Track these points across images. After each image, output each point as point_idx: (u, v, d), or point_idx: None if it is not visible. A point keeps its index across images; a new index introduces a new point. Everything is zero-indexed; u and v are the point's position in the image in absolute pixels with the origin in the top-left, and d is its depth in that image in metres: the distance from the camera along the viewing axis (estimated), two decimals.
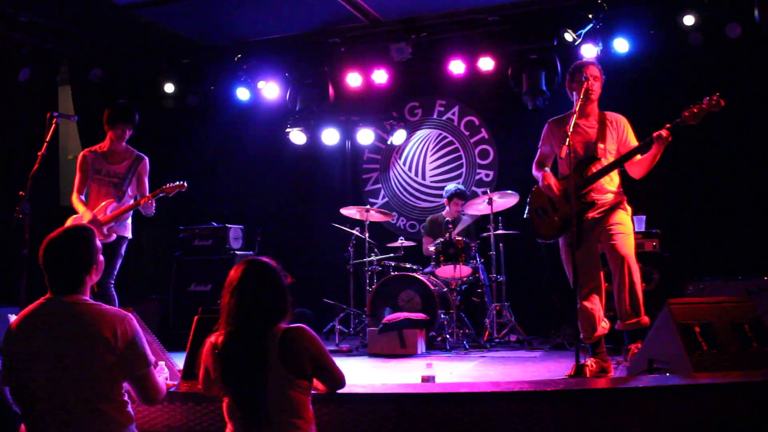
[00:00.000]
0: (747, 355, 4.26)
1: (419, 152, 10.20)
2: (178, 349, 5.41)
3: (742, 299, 4.77)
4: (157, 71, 10.02)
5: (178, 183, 6.46)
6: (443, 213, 8.85)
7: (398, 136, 9.78)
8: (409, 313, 7.33)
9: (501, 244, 8.17)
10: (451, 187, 8.79)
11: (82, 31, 9.05)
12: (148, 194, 6.42)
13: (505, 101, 9.47)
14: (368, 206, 8.60)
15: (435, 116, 10.16)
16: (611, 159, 5.33)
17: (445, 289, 7.87)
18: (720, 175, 8.29)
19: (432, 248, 8.03)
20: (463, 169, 9.96)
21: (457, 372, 5.94)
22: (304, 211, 10.44)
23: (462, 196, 8.64)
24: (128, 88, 9.82)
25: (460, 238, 7.84)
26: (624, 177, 5.52)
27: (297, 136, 9.78)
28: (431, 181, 10.10)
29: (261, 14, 8.74)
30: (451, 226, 8.00)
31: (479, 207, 8.26)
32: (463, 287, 8.05)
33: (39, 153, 5.70)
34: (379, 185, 10.39)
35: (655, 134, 5.06)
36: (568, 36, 8.29)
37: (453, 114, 10.06)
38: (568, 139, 4.90)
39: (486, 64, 9.00)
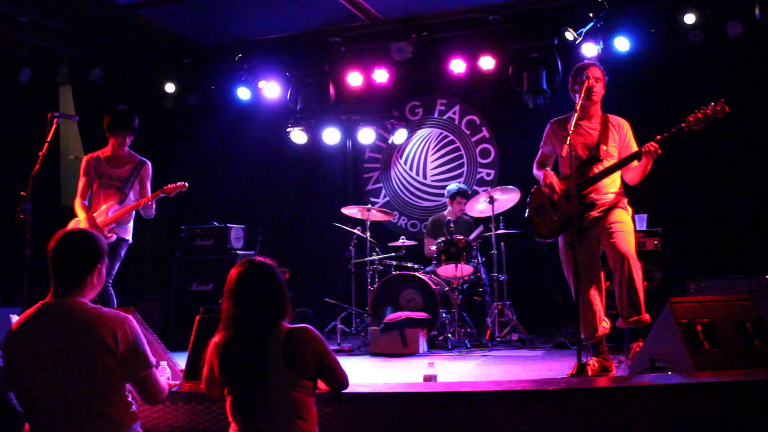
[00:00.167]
0: (749, 353, 4.25)
1: (420, 151, 10.20)
2: (179, 348, 5.42)
3: (744, 298, 4.75)
4: (158, 71, 10.03)
5: (179, 183, 6.47)
6: (445, 213, 8.84)
7: (399, 136, 9.78)
8: (410, 313, 7.34)
9: (502, 243, 8.17)
10: (453, 186, 8.78)
11: (82, 31, 9.06)
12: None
13: (506, 100, 9.47)
14: (369, 205, 8.59)
15: (436, 115, 10.16)
16: (612, 161, 5.33)
17: (447, 289, 7.87)
18: (721, 174, 8.29)
19: (433, 248, 8.02)
20: (464, 168, 9.96)
21: (459, 371, 5.94)
22: (305, 210, 10.44)
23: (464, 195, 8.63)
24: (129, 88, 9.83)
25: (461, 237, 7.84)
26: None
27: (298, 136, 9.78)
28: (432, 181, 10.10)
29: (262, 14, 8.74)
30: (452, 226, 8.00)
31: (479, 207, 8.26)
32: (465, 286, 8.04)
33: (40, 153, 5.70)
34: (380, 184, 10.39)
35: (644, 148, 5.08)
36: (569, 35, 8.28)
37: (454, 113, 10.06)
38: (569, 138, 4.90)
39: (487, 63, 9.00)
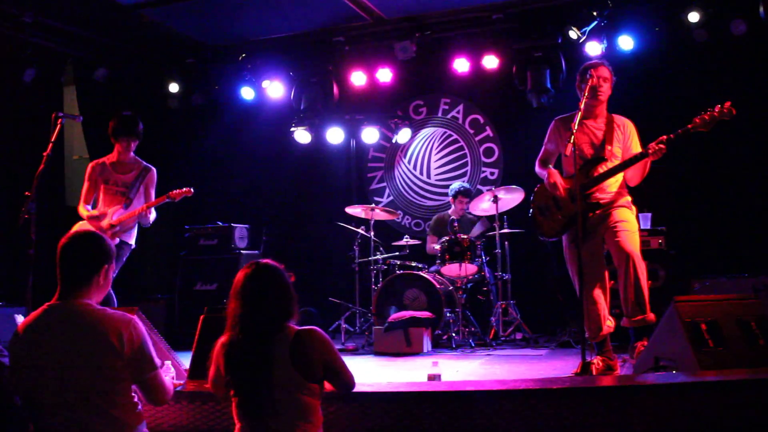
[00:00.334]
0: (753, 352, 4.25)
1: (424, 151, 10.20)
2: (184, 348, 5.43)
3: (749, 296, 4.75)
4: (162, 71, 10.04)
5: (184, 189, 6.48)
6: (449, 212, 8.84)
7: (403, 135, 9.77)
8: (414, 312, 7.34)
9: (506, 242, 8.17)
10: (455, 185, 8.78)
11: (86, 31, 9.07)
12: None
13: (509, 99, 9.46)
14: (373, 205, 8.60)
15: (440, 114, 10.15)
16: (617, 162, 5.33)
17: (451, 288, 7.87)
18: (726, 172, 8.27)
19: (437, 246, 8.02)
20: (468, 168, 9.96)
21: (463, 370, 5.94)
22: (309, 210, 10.44)
23: (467, 194, 8.63)
24: (133, 88, 9.84)
25: (465, 237, 7.84)
26: None
27: (301, 135, 9.78)
28: (436, 180, 10.10)
29: (265, 13, 8.75)
30: (456, 225, 8.00)
31: (483, 206, 8.26)
32: (469, 285, 8.04)
33: (44, 153, 5.71)
34: (384, 184, 10.39)
35: (650, 149, 5.06)
36: (573, 33, 8.27)
37: (458, 112, 10.06)
38: (572, 137, 4.89)
39: (490, 62, 9.00)
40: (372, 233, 8.30)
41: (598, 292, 5.28)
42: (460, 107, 10.04)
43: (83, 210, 6.46)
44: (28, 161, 7.04)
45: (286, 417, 3.16)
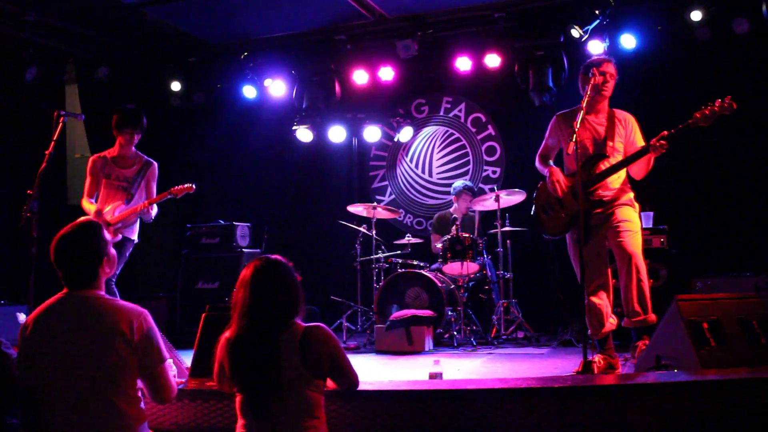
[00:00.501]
0: (755, 351, 4.24)
1: (426, 149, 10.20)
2: (185, 346, 5.43)
3: (751, 295, 4.74)
4: (164, 70, 10.05)
5: (186, 185, 6.47)
6: (451, 210, 8.84)
7: (405, 134, 9.77)
8: (416, 310, 7.34)
9: (508, 241, 8.17)
10: (458, 183, 8.78)
11: (88, 30, 9.08)
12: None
13: (511, 98, 9.46)
14: (375, 203, 8.59)
15: (442, 113, 10.15)
16: (619, 157, 5.31)
17: (453, 286, 7.87)
18: (728, 171, 8.26)
19: (439, 245, 8.03)
20: (470, 166, 9.95)
21: (465, 369, 5.94)
22: (311, 208, 10.46)
23: (470, 192, 8.63)
24: (135, 86, 9.85)
25: (467, 235, 7.83)
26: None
27: (303, 134, 9.79)
28: (438, 178, 10.10)
29: (267, 12, 8.75)
30: (458, 223, 8.00)
31: (486, 203, 8.27)
32: (471, 284, 8.04)
33: (46, 152, 5.72)
34: (386, 182, 10.39)
35: (652, 142, 5.06)
36: (575, 32, 8.26)
37: (460, 111, 10.06)
38: (575, 136, 4.89)
39: (492, 60, 8.99)
40: (374, 232, 8.30)
41: (601, 290, 5.28)
42: (462, 106, 10.04)
43: (86, 204, 6.46)
44: (30, 160, 7.07)
45: (293, 413, 3.17)
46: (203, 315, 4.72)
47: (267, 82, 9.86)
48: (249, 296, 3.27)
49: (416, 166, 10.23)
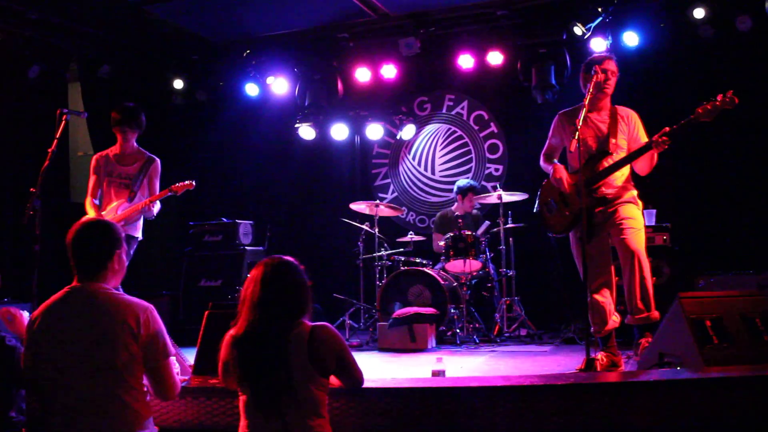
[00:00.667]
0: (758, 348, 4.24)
1: (428, 147, 10.19)
2: (188, 344, 5.43)
3: (754, 293, 4.74)
4: (166, 68, 10.06)
5: (186, 182, 6.47)
6: (452, 208, 8.84)
7: (407, 131, 9.77)
8: (419, 308, 7.34)
9: (511, 239, 8.17)
10: (464, 182, 8.77)
11: (91, 28, 9.08)
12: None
13: (514, 95, 9.46)
14: (378, 201, 8.60)
15: (444, 111, 10.15)
16: (622, 154, 5.31)
17: (455, 284, 7.87)
18: (731, 169, 8.26)
19: (442, 243, 8.03)
20: (473, 164, 9.95)
21: (468, 366, 5.94)
22: (314, 206, 10.46)
23: (475, 192, 8.63)
24: (137, 84, 9.85)
25: (469, 233, 7.83)
26: (634, 171, 5.50)
27: (306, 132, 9.79)
28: (441, 176, 10.10)
29: (269, 10, 8.75)
30: (461, 221, 8.00)
31: (488, 198, 8.28)
32: (473, 282, 8.05)
33: (49, 150, 5.71)
34: (389, 180, 10.39)
35: (654, 138, 5.05)
36: (578, 30, 8.26)
37: (462, 108, 10.05)
38: (577, 134, 4.89)
39: (495, 58, 8.99)
40: (376, 229, 8.30)
41: (604, 288, 5.28)
42: (465, 103, 10.03)
43: (89, 206, 6.46)
44: (33, 158, 7.08)
45: (301, 412, 3.18)
46: (206, 312, 4.72)
47: (269, 79, 9.86)
48: (260, 294, 3.28)
49: (419, 163, 10.22)
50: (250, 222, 9.46)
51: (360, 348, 7.56)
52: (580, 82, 5.51)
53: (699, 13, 7.99)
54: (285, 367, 3.18)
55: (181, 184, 6.45)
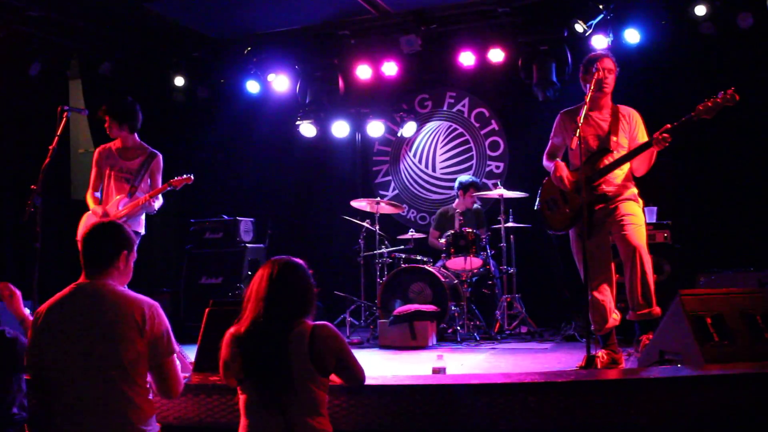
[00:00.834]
0: (758, 346, 4.25)
1: (429, 144, 10.19)
2: (189, 341, 5.44)
3: (754, 290, 4.75)
4: (167, 65, 10.05)
5: (184, 176, 6.47)
6: (453, 205, 8.84)
7: (408, 128, 9.77)
8: (419, 305, 7.33)
9: (512, 236, 8.17)
10: (465, 178, 8.77)
11: (91, 25, 9.08)
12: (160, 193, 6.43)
13: (515, 93, 9.45)
14: (378, 198, 8.60)
15: (445, 108, 10.14)
16: (623, 152, 5.31)
17: (456, 281, 7.87)
18: (732, 166, 8.25)
19: (442, 240, 8.03)
20: (474, 161, 9.95)
21: (468, 364, 5.94)
22: (315, 203, 10.46)
23: (476, 187, 8.64)
24: (138, 81, 9.85)
25: (470, 230, 7.83)
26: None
27: (307, 129, 9.78)
28: (441, 173, 10.09)
29: (270, 7, 8.74)
30: (461, 218, 7.99)
31: (489, 194, 8.29)
32: (474, 279, 8.05)
33: (50, 147, 5.71)
34: (390, 177, 10.39)
35: (655, 135, 5.05)
36: (579, 27, 8.25)
37: (463, 106, 10.05)
38: (578, 131, 4.89)
39: (496, 55, 8.97)
40: (377, 227, 8.29)
41: (604, 285, 5.27)
42: (466, 101, 10.03)
43: (90, 199, 6.45)
44: (34, 155, 7.06)
45: (301, 410, 3.19)
46: (207, 310, 4.73)
47: (270, 77, 9.85)
48: (266, 291, 3.29)
49: (420, 161, 10.22)
50: (251, 219, 9.46)
51: (361, 345, 7.56)
52: (580, 81, 5.52)
53: (700, 10, 7.98)
54: (285, 366, 3.18)
55: (179, 178, 6.45)
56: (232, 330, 3.33)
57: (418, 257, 8.18)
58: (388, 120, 9.90)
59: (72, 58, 9.50)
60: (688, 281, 7.16)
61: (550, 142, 5.69)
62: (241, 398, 3.29)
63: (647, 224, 5.76)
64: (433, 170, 10.14)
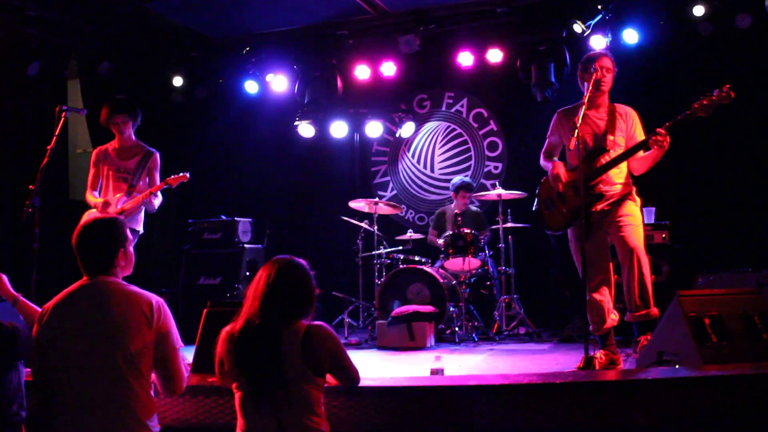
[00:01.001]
0: (757, 346, 4.24)
1: (428, 145, 10.19)
2: (187, 342, 5.40)
3: (753, 291, 4.74)
4: (166, 65, 10.03)
5: (180, 174, 6.48)
6: (452, 206, 8.84)
7: (407, 129, 9.77)
8: (418, 306, 7.33)
9: (510, 237, 8.17)
10: (456, 179, 8.79)
11: (90, 25, 9.07)
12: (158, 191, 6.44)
13: (513, 93, 9.46)
14: (377, 199, 8.60)
15: (444, 108, 10.14)
16: (620, 151, 5.31)
17: (454, 282, 7.87)
18: (730, 167, 8.25)
19: (441, 241, 8.04)
20: (472, 162, 9.95)
21: (466, 364, 5.94)
22: (313, 204, 10.45)
23: (468, 188, 8.63)
24: (136, 81, 9.84)
25: (468, 231, 7.83)
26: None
27: (305, 129, 9.78)
28: (440, 174, 10.09)
29: (269, 7, 8.74)
30: (460, 219, 8.00)
31: (487, 195, 8.29)
32: (472, 280, 8.04)
33: (48, 147, 5.72)
34: (388, 178, 10.39)
35: (652, 138, 5.05)
36: (578, 27, 8.25)
37: (462, 106, 10.05)
38: (576, 131, 4.89)
39: (495, 55, 8.97)
40: (375, 227, 8.30)
41: (602, 286, 5.27)
42: (464, 101, 10.03)
43: (90, 197, 6.47)
44: (32, 155, 7.08)
45: (296, 410, 3.19)
46: (205, 311, 4.72)
47: (269, 77, 9.84)
48: (265, 289, 3.30)
49: (418, 161, 10.22)
50: (249, 220, 9.46)
51: (359, 346, 7.56)
52: (578, 80, 5.51)
53: (699, 10, 7.97)
54: (277, 365, 3.18)
55: (175, 176, 6.46)
56: (227, 328, 3.34)
57: (417, 258, 8.18)
58: (387, 120, 9.90)
59: (70, 58, 9.49)
60: (686, 282, 7.16)
61: (547, 141, 5.69)
62: (236, 397, 3.29)
63: (646, 225, 5.77)
64: (432, 171, 10.14)
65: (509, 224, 8.10)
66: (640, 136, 5.35)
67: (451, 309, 7.60)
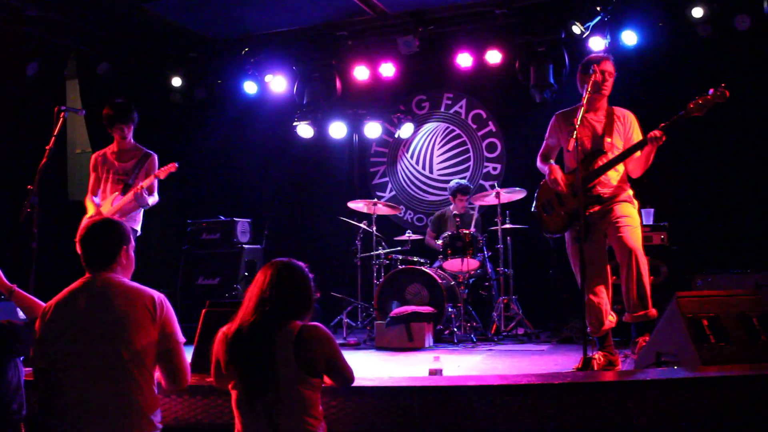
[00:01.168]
0: (755, 348, 4.25)
1: (427, 145, 10.19)
2: (186, 342, 5.41)
3: (751, 292, 4.75)
4: (165, 65, 10.04)
5: (169, 165, 6.48)
6: (450, 208, 8.84)
7: (406, 130, 9.77)
8: (416, 307, 7.34)
9: (509, 238, 8.17)
10: (453, 183, 8.80)
11: (89, 25, 9.07)
12: (154, 190, 6.44)
13: (512, 94, 9.46)
14: (375, 200, 8.60)
15: (442, 109, 10.15)
16: (617, 153, 5.31)
17: (453, 283, 7.87)
18: (729, 168, 8.25)
19: (439, 242, 8.04)
20: (471, 163, 9.95)
21: (465, 365, 5.94)
22: (312, 204, 10.45)
23: (464, 191, 8.63)
24: (136, 82, 9.84)
25: (467, 231, 7.84)
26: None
27: (304, 130, 9.78)
28: (438, 175, 10.09)
29: (268, 7, 8.74)
30: (458, 220, 8.00)
31: (486, 199, 8.28)
32: (471, 281, 8.05)
33: (47, 147, 5.71)
34: (387, 179, 10.39)
35: (649, 135, 5.06)
36: (576, 28, 8.26)
37: (460, 107, 10.05)
38: (575, 133, 4.89)
39: (493, 57, 8.99)
40: (374, 228, 8.30)
41: (600, 287, 5.27)
42: (463, 102, 10.03)
43: (88, 203, 6.48)
44: (31, 155, 7.07)
45: (290, 411, 3.19)
46: (203, 311, 4.72)
47: (268, 77, 9.85)
48: (262, 290, 3.31)
49: (417, 162, 10.22)
50: (248, 220, 9.45)
51: (357, 346, 7.56)
52: (577, 82, 5.51)
53: (698, 12, 7.98)
54: (269, 366, 3.18)
55: (164, 168, 6.46)
56: (224, 329, 3.36)
57: (415, 258, 8.18)
58: (386, 121, 9.90)
59: (69, 58, 9.49)
60: (684, 283, 7.16)
61: (545, 143, 5.69)
62: (232, 397, 3.29)
63: (644, 226, 5.77)
64: (431, 172, 10.14)
65: (508, 225, 8.11)
66: (638, 138, 5.34)
67: (450, 310, 7.61)
